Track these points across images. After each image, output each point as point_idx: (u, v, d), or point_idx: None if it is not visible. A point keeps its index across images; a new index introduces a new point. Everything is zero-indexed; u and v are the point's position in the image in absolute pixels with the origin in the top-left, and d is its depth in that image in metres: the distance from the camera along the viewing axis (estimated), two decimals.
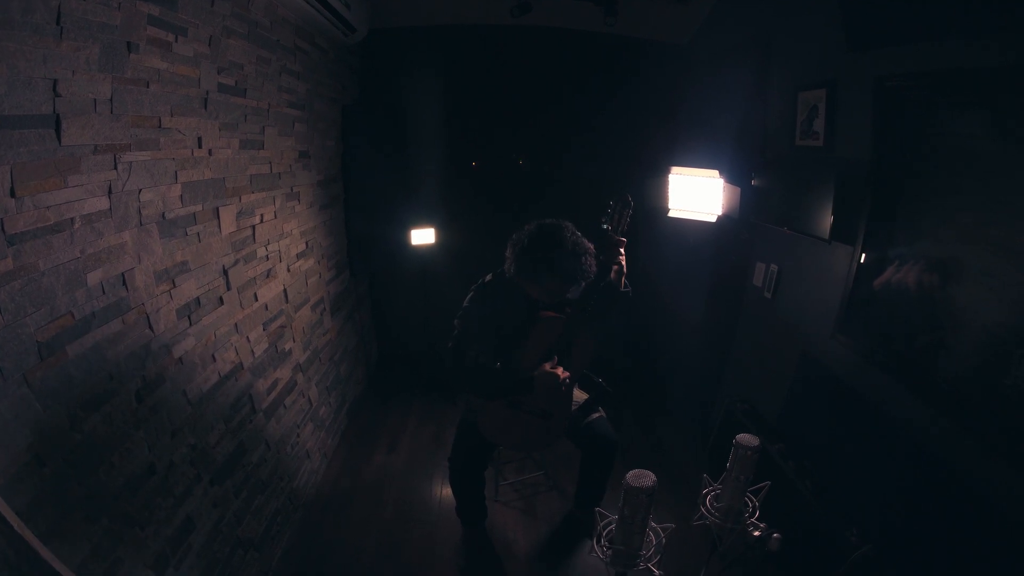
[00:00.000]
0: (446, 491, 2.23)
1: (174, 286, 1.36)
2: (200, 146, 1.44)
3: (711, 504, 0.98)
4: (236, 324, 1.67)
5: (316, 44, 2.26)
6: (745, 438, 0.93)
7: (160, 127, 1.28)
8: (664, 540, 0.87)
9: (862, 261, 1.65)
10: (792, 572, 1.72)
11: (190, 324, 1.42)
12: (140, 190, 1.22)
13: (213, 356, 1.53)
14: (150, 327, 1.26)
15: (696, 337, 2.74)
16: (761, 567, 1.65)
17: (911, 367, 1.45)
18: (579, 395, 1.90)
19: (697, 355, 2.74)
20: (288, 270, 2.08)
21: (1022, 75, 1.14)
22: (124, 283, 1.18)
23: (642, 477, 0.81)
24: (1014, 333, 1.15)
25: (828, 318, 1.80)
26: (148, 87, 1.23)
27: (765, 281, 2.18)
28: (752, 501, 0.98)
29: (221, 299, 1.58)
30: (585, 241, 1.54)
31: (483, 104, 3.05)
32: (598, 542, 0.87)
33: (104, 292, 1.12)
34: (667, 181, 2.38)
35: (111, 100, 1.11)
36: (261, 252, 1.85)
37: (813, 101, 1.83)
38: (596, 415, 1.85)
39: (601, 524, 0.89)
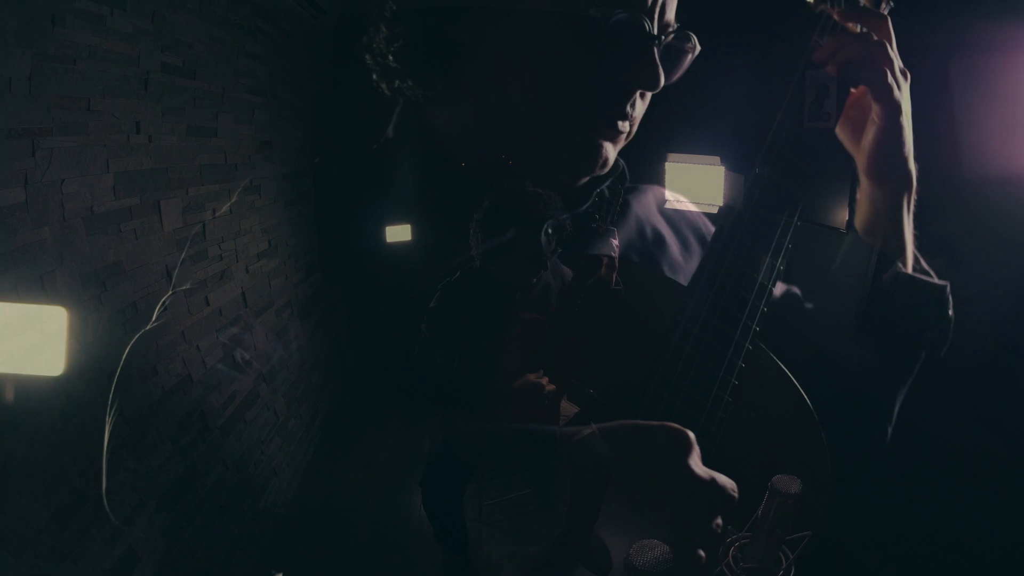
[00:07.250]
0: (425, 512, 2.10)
1: (104, 290, 1.19)
2: (138, 132, 1.28)
3: (735, 558, 0.81)
4: (183, 332, 1.50)
5: (280, 26, 2.09)
6: (781, 480, 0.64)
7: (88, 109, 1.12)
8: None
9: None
10: None
11: (124, 333, 1.26)
12: (63, 180, 1.06)
13: (155, 368, 1.37)
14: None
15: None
16: None
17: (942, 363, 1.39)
18: (568, 407, 1.80)
19: None
20: (247, 271, 1.91)
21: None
22: (43, 288, 1.01)
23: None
24: None
25: (846, 315, 1.72)
26: (75, 65, 1.07)
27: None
28: (787, 555, 0.77)
29: (164, 304, 1.42)
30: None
31: None
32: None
33: (19, 297, 0.95)
34: (663, 170, 2.29)
35: (29, 79, 0.96)
36: (213, 251, 1.68)
37: (823, 81, 1.76)
38: (588, 431, 1.74)
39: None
